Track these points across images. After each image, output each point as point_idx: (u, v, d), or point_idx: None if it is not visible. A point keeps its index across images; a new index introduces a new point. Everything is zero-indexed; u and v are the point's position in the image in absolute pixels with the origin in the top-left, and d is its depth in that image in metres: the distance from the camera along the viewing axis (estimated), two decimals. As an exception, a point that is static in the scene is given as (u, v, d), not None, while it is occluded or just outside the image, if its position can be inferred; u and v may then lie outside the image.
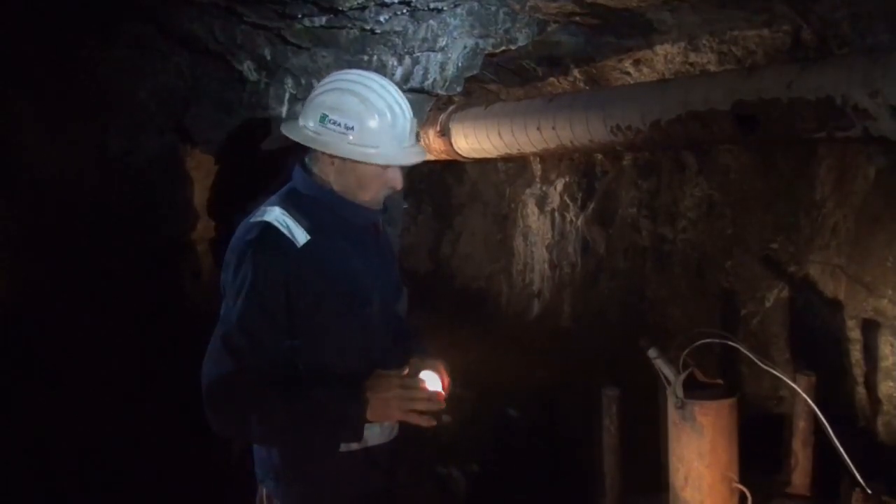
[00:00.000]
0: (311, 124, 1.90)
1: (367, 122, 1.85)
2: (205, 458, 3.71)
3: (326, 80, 1.95)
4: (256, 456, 2.06)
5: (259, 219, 1.88)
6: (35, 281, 3.57)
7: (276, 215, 1.87)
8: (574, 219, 7.40)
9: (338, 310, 1.91)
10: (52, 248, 3.59)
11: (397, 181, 1.97)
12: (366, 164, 1.88)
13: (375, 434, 1.98)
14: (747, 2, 4.17)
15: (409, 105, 1.96)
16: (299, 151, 2.00)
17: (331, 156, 1.90)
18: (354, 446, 1.95)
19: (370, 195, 1.95)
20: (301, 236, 1.85)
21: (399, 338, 2.20)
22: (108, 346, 3.66)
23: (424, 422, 1.87)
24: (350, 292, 1.92)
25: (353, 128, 1.85)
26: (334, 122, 1.85)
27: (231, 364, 1.77)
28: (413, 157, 1.96)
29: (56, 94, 3.53)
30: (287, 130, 1.96)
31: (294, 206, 1.91)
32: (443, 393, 1.96)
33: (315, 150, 1.94)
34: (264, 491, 2.05)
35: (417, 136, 2.04)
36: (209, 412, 1.79)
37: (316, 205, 1.93)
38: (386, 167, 1.92)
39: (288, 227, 1.85)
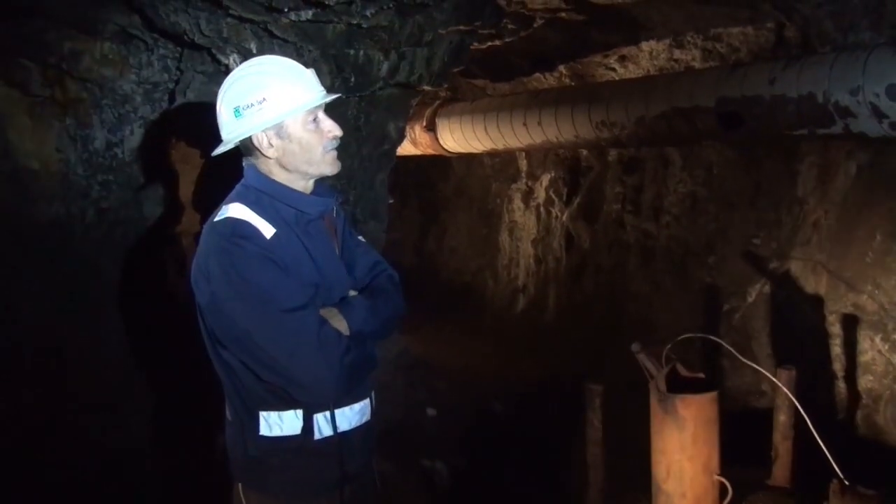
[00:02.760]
0: (230, 130, 1.95)
1: (273, 84, 1.91)
2: (190, 451, 3.71)
3: (221, 91, 1.99)
4: (231, 453, 2.06)
5: (224, 216, 1.90)
6: (19, 274, 3.55)
7: (238, 210, 1.90)
8: (559, 214, 7.44)
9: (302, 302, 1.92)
10: (36, 241, 3.57)
11: (334, 127, 1.99)
12: (295, 118, 1.92)
13: (347, 418, 2.01)
14: (731, -1, 4.21)
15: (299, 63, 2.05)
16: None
17: (268, 139, 1.92)
18: (328, 432, 1.98)
19: (319, 156, 1.96)
20: (267, 230, 1.88)
21: None
22: (93, 339, 3.65)
23: None
24: (314, 284, 1.94)
25: (265, 98, 1.90)
26: (248, 106, 1.91)
27: (314, 318, 1.84)
28: (323, 98, 1.99)
29: (40, 85, 3.50)
30: (216, 150, 2.01)
31: (253, 201, 1.93)
32: None
33: (248, 150, 1.97)
34: (240, 486, 2.05)
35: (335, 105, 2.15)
36: (348, 363, 1.86)
37: (271, 199, 1.96)
38: (316, 118, 1.95)
39: (253, 221, 1.88)
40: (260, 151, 1.95)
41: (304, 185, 2.01)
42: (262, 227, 1.87)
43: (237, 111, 1.92)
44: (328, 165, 1.99)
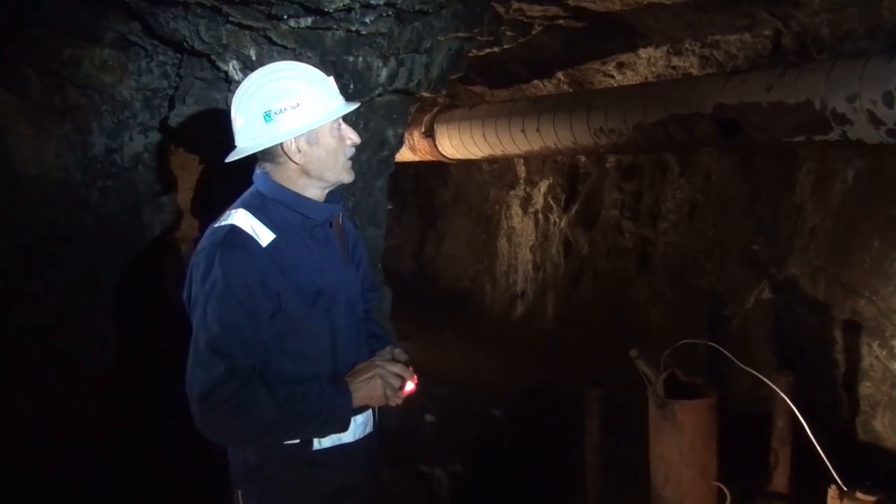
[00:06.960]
0: (256, 132, 1.92)
1: (306, 91, 1.92)
2: (191, 458, 3.71)
3: (239, 95, 1.96)
4: (231, 460, 2.05)
5: (224, 222, 1.90)
6: (18, 281, 3.55)
7: (241, 217, 1.90)
8: (557, 220, 7.45)
9: (303, 308, 1.91)
10: (35, 247, 3.58)
11: (353, 134, 2.01)
12: (324, 126, 1.92)
13: (350, 430, 1.99)
14: (729, 7, 4.22)
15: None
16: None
17: (297, 145, 1.91)
18: (328, 444, 1.96)
19: (341, 164, 1.98)
20: (266, 236, 1.88)
21: (372, 338, 2.22)
22: (92, 345, 3.65)
23: (396, 401, 1.97)
24: (316, 290, 1.93)
25: (298, 104, 1.89)
26: (281, 111, 1.89)
27: (223, 368, 1.77)
28: (353, 105, 2.04)
29: (39, 92, 3.52)
30: (235, 156, 1.96)
31: (258, 207, 1.93)
32: (412, 387, 2.01)
33: (270, 155, 1.95)
34: (239, 494, 2.04)
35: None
36: (205, 418, 1.78)
37: (278, 205, 1.95)
38: (339, 125, 1.97)
39: (253, 228, 1.88)
40: (288, 156, 1.92)
41: (319, 194, 2.00)
42: (260, 233, 1.87)
43: (267, 115, 1.89)
44: (346, 173, 2.00)
